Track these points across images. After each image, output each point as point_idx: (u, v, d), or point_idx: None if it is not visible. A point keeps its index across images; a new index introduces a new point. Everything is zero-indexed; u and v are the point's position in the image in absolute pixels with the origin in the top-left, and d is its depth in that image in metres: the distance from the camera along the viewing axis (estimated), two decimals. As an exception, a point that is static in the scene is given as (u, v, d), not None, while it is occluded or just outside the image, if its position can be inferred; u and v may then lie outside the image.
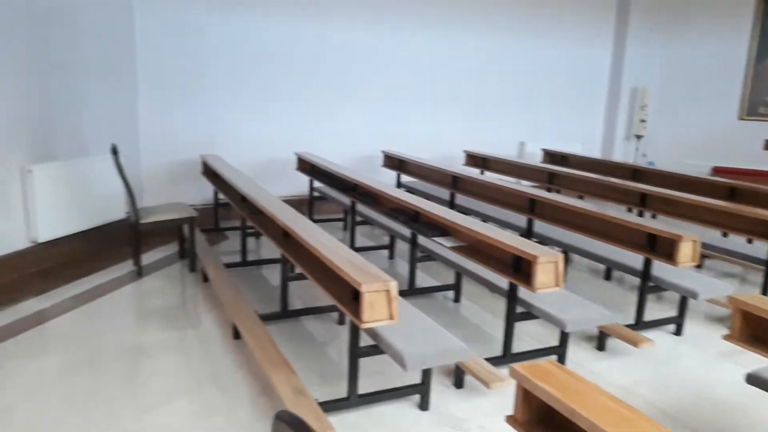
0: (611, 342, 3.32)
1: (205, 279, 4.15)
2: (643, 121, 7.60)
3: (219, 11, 5.59)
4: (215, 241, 5.21)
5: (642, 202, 4.38)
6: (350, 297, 2.34)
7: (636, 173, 5.40)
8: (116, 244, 4.82)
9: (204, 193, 5.61)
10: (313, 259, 2.75)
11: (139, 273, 4.28)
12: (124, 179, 4.07)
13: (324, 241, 2.69)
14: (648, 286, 3.48)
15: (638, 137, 7.72)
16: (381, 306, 2.16)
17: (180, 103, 5.50)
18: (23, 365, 2.90)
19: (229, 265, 4.32)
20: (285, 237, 3.17)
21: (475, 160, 6.26)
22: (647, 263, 3.43)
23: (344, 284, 2.35)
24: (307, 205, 5.86)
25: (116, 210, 4.86)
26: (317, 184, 5.70)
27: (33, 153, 4.18)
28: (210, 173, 5.14)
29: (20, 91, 4.07)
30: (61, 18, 4.40)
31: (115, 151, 3.99)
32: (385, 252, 5.00)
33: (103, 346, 3.14)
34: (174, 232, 4.84)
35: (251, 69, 5.88)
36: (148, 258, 4.56)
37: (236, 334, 3.24)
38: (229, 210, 5.33)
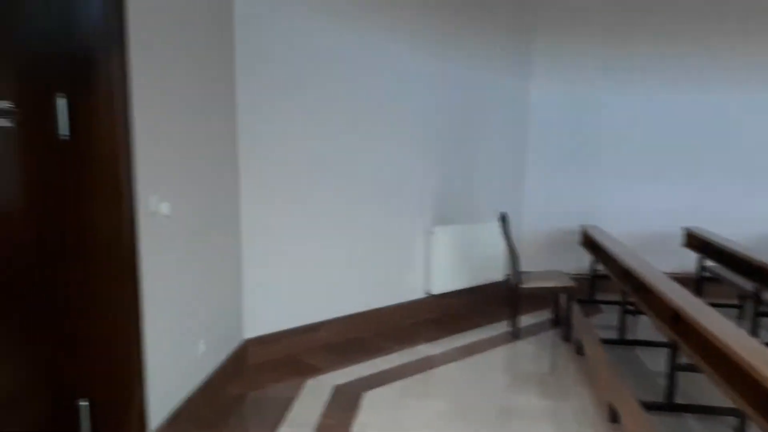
0: None
1: (579, 351, 4.06)
2: None
3: (612, 87, 5.61)
4: (589, 313, 5.07)
5: None
6: (764, 403, 1.95)
7: None
8: (494, 303, 5.18)
9: (579, 262, 5.59)
10: (711, 350, 2.41)
11: (515, 335, 4.46)
12: (509, 245, 4.35)
13: (729, 331, 2.33)
14: None
15: None
16: (816, 425, 1.73)
17: (564, 174, 5.68)
18: (414, 404, 3.28)
19: (604, 341, 4.14)
20: (675, 320, 2.87)
21: None
22: None
23: (757, 387, 1.98)
24: (693, 286, 5.24)
25: (496, 271, 5.22)
26: (708, 263, 5.07)
27: (435, 217, 4.84)
28: (589, 243, 5.08)
29: (430, 168, 4.79)
30: (469, 107, 5.06)
31: (503, 219, 4.31)
32: (801, 353, 4.05)
33: (478, 401, 3.34)
34: (548, 298, 4.93)
35: (636, 142, 5.68)
36: (522, 321, 4.73)
37: (613, 417, 3.04)
38: (605, 282, 5.17)
